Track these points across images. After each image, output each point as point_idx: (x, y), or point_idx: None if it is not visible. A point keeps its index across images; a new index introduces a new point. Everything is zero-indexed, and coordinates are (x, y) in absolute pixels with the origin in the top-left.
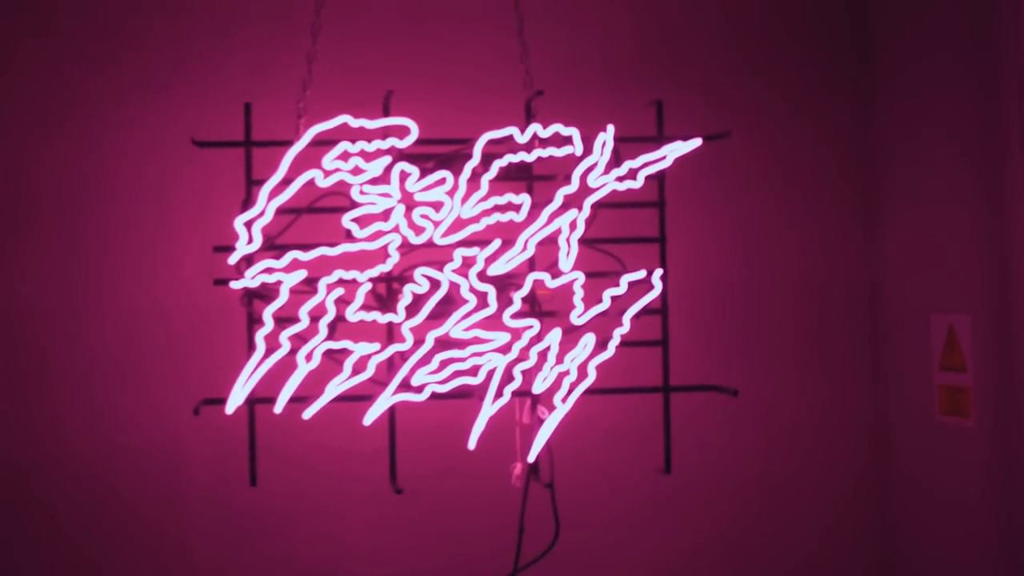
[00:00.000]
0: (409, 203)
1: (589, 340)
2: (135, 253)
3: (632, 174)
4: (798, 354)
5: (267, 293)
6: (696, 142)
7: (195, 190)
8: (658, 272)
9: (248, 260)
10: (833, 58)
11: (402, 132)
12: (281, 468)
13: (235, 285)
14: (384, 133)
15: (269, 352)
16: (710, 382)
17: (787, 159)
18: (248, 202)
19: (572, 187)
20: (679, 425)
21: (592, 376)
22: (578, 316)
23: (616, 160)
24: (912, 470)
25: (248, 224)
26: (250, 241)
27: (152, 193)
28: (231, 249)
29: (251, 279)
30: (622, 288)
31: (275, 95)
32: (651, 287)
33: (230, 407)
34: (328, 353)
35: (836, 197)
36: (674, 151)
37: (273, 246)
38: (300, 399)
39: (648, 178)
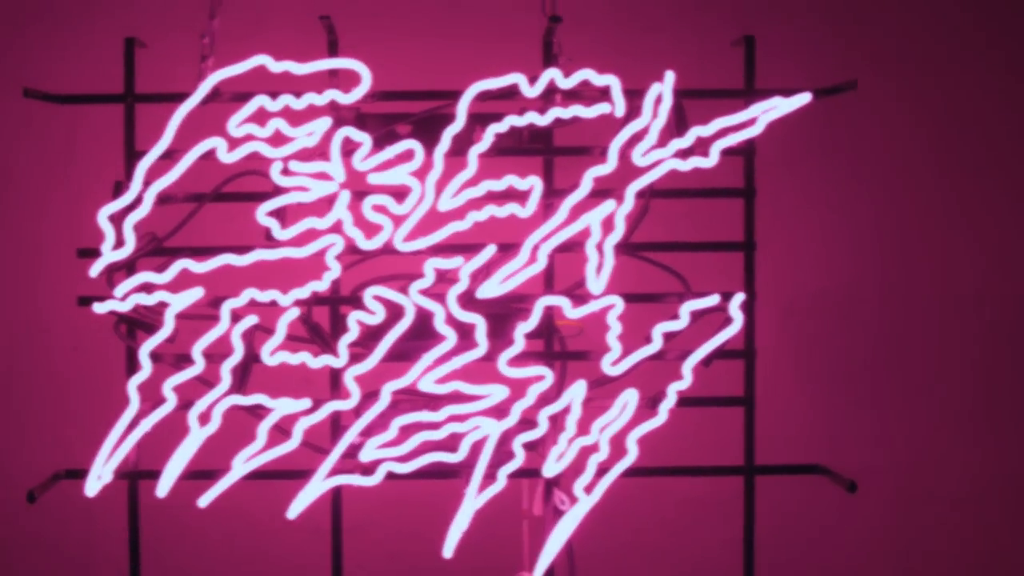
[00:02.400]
0: (358, 189)
1: (630, 399)
2: None
3: (703, 147)
4: (958, 406)
5: (148, 320)
6: (803, 97)
7: (60, 167)
8: (738, 298)
9: (129, 269)
10: None
11: (349, 81)
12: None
13: (99, 308)
14: (323, 83)
15: (148, 408)
16: (817, 455)
17: (945, 129)
18: (124, 185)
19: (608, 166)
20: (770, 513)
21: (633, 453)
22: (613, 363)
23: (678, 125)
24: None
25: (117, 218)
26: (120, 243)
27: None
28: (98, 252)
29: (121, 299)
30: (682, 321)
31: (173, 30)
32: (728, 320)
33: (91, 486)
34: (235, 412)
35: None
36: (769, 112)
37: (158, 250)
38: (199, 474)
39: (727, 154)
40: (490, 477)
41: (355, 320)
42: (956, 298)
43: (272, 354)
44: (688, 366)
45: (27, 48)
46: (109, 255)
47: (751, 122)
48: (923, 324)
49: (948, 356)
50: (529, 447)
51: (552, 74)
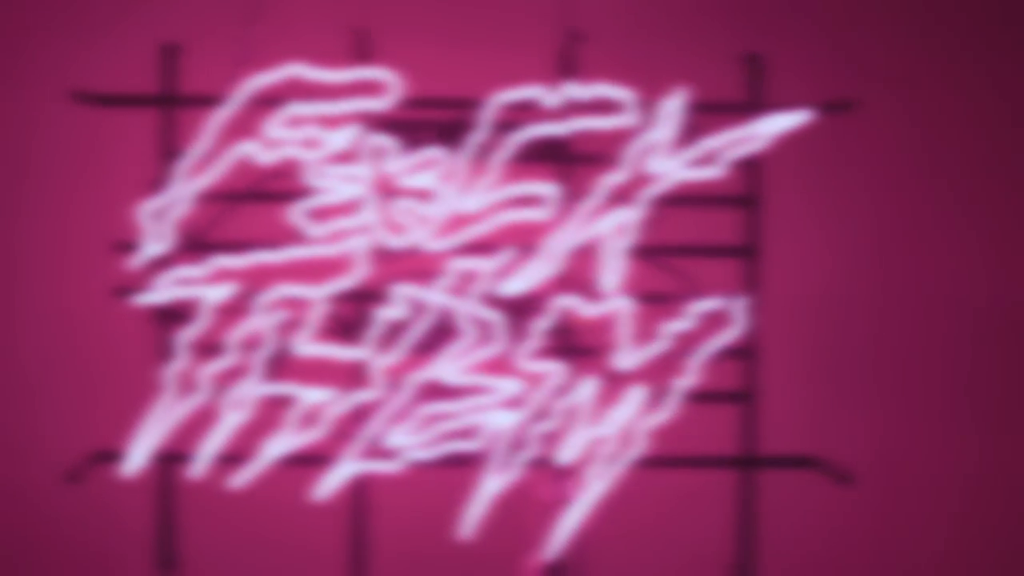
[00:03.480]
0: (386, 191)
1: (639, 393)
2: (5, 250)
3: (712, 158)
4: (952, 404)
5: (184, 312)
6: (805, 115)
7: (95, 164)
8: (740, 301)
9: (164, 264)
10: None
11: (378, 89)
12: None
13: (140, 300)
14: (353, 90)
15: (183, 395)
16: (816, 449)
17: (940, 142)
18: (160, 183)
19: (623, 174)
20: (767, 503)
21: (642, 443)
22: (624, 359)
23: (690, 137)
24: None
25: (158, 215)
26: (159, 238)
27: (33, 166)
28: (135, 248)
29: (159, 291)
30: (689, 321)
31: (209, 36)
32: (732, 320)
33: (130, 466)
34: (266, 400)
35: (1014, 194)
36: (773, 126)
37: (194, 246)
38: (229, 459)
39: (736, 165)
40: (506, 465)
41: (381, 315)
42: (950, 302)
43: (303, 346)
44: (694, 363)
45: (60, 50)
46: (148, 248)
47: (757, 136)
48: (919, 326)
49: (943, 357)
50: (543, 437)
51: (570, 87)
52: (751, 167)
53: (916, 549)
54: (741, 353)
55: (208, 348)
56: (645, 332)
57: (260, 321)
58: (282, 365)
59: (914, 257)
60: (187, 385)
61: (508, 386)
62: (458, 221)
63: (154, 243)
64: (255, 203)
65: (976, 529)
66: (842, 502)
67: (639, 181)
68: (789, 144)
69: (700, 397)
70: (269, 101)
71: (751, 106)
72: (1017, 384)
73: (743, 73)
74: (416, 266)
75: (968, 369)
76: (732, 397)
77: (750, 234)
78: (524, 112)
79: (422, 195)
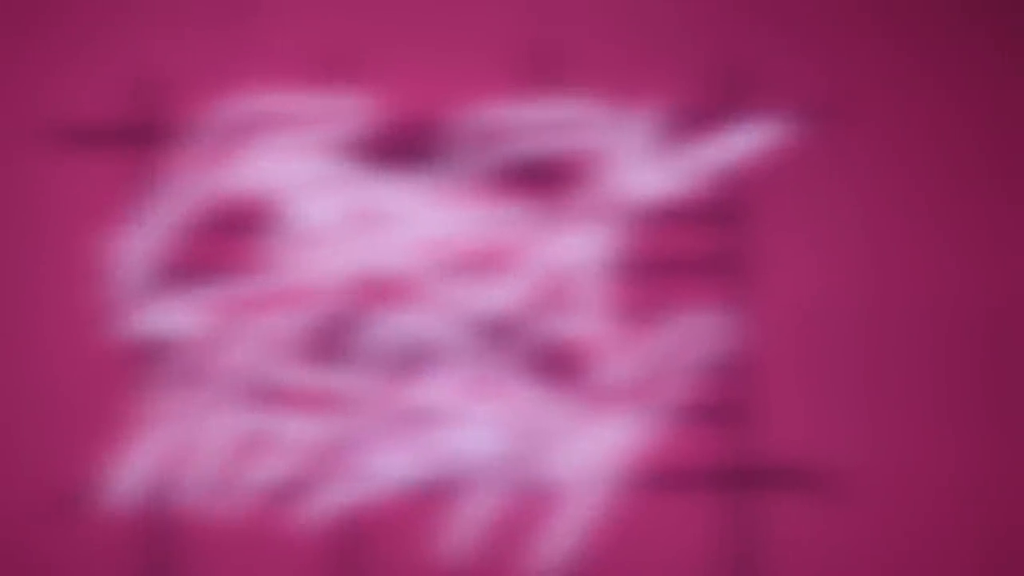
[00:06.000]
0: (363, 216)
1: (625, 412)
2: None
3: (695, 171)
4: (957, 412)
5: (162, 344)
6: (790, 124)
7: (66, 197)
8: (727, 316)
9: (141, 296)
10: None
11: (353, 113)
12: None
13: (117, 332)
14: (328, 115)
15: (164, 426)
16: (813, 466)
17: (934, 149)
18: (135, 215)
19: (603, 190)
20: (763, 522)
21: (628, 464)
22: (608, 378)
23: (671, 150)
24: None
25: (135, 246)
26: (137, 271)
27: (5, 200)
28: (111, 281)
29: (138, 324)
30: (676, 338)
31: (185, 66)
32: (723, 335)
33: (112, 498)
34: (247, 429)
35: (1013, 199)
36: (755, 137)
37: (170, 278)
38: (213, 490)
39: (720, 177)
40: (491, 488)
41: (362, 341)
42: (958, 308)
43: (282, 374)
44: (680, 381)
45: (31, 82)
46: (126, 281)
47: (741, 147)
48: (922, 335)
49: (949, 366)
50: (527, 460)
51: (546, 103)
52: (736, 179)
53: (916, 563)
54: (730, 370)
55: (187, 380)
56: (629, 351)
57: (239, 351)
58: (263, 395)
59: (912, 264)
60: (167, 418)
61: (491, 408)
62: (436, 243)
63: (130, 276)
64: (232, 233)
65: (1002, 543)
66: (843, 521)
67: (620, 197)
68: (776, 155)
69: (691, 414)
70: (245, 130)
71: (734, 116)
72: None
73: (725, 83)
74: (395, 290)
75: (979, 376)
76: (722, 414)
77: (736, 247)
78: (500, 130)
79: (399, 219)
